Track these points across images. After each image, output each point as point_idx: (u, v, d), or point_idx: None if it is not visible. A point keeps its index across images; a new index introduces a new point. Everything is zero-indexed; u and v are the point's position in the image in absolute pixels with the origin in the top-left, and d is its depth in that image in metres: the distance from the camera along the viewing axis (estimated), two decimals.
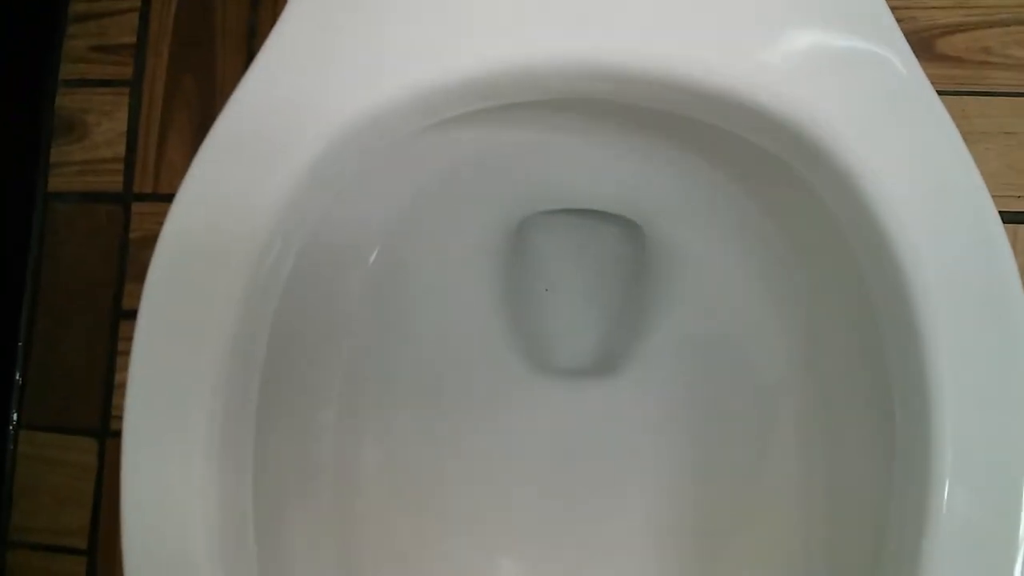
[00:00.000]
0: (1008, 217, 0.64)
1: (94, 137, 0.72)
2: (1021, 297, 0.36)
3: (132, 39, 0.73)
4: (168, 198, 0.80)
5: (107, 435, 0.69)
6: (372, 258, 0.52)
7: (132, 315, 0.72)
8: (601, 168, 0.52)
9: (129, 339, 0.74)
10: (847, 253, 0.40)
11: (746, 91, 0.38)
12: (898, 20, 0.39)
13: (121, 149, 0.71)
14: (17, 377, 0.70)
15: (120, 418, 0.68)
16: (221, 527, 0.37)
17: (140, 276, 0.70)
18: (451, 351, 0.54)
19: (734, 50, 0.38)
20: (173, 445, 0.38)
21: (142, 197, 0.71)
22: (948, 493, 0.35)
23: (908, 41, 0.39)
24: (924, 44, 0.67)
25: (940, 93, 0.38)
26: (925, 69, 0.39)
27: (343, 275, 0.51)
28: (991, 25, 0.67)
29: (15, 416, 0.70)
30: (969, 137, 0.38)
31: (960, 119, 0.59)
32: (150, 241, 0.72)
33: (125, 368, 0.69)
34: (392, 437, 0.52)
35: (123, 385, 0.70)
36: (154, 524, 0.37)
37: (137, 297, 0.41)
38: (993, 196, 0.37)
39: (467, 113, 0.42)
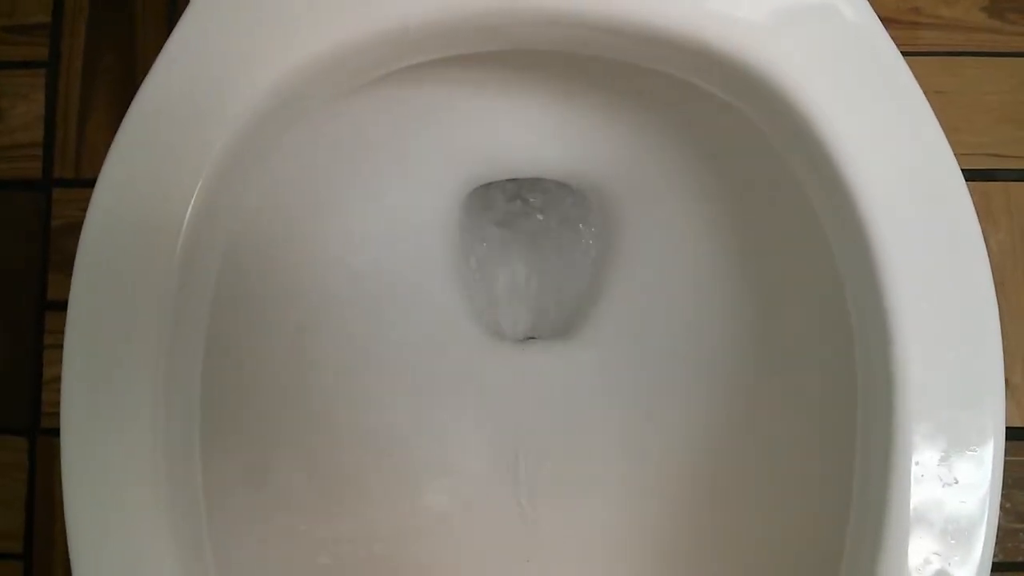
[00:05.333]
0: None
1: (9, 122, 0.68)
2: (968, 203, 0.38)
3: (46, 18, 0.69)
4: (91, 183, 0.76)
5: (38, 432, 0.66)
6: (312, 231, 0.50)
7: (58, 306, 0.69)
8: (546, 132, 0.52)
9: (56, 331, 0.72)
10: (805, 209, 0.41)
11: (698, 34, 0.38)
12: None
13: (39, 133, 0.68)
14: None
15: (52, 415, 0.67)
16: (173, 530, 0.37)
17: (65, 265, 0.68)
18: (406, 322, 0.53)
19: None
20: (116, 446, 0.36)
21: (63, 183, 0.68)
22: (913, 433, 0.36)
23: None
24: None
25: None
26: None
27: (281, 251, 0.49)
28: None
29: None
30: None
31: None
32: (74, 229, 0.69)
33: (54, 362, 0.68)
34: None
35: (53, 380, 0.68)
36: (102, 535, 0.36)
37: (63, 287, 0.39)
38: None
39: (398, 71, 0.41)
